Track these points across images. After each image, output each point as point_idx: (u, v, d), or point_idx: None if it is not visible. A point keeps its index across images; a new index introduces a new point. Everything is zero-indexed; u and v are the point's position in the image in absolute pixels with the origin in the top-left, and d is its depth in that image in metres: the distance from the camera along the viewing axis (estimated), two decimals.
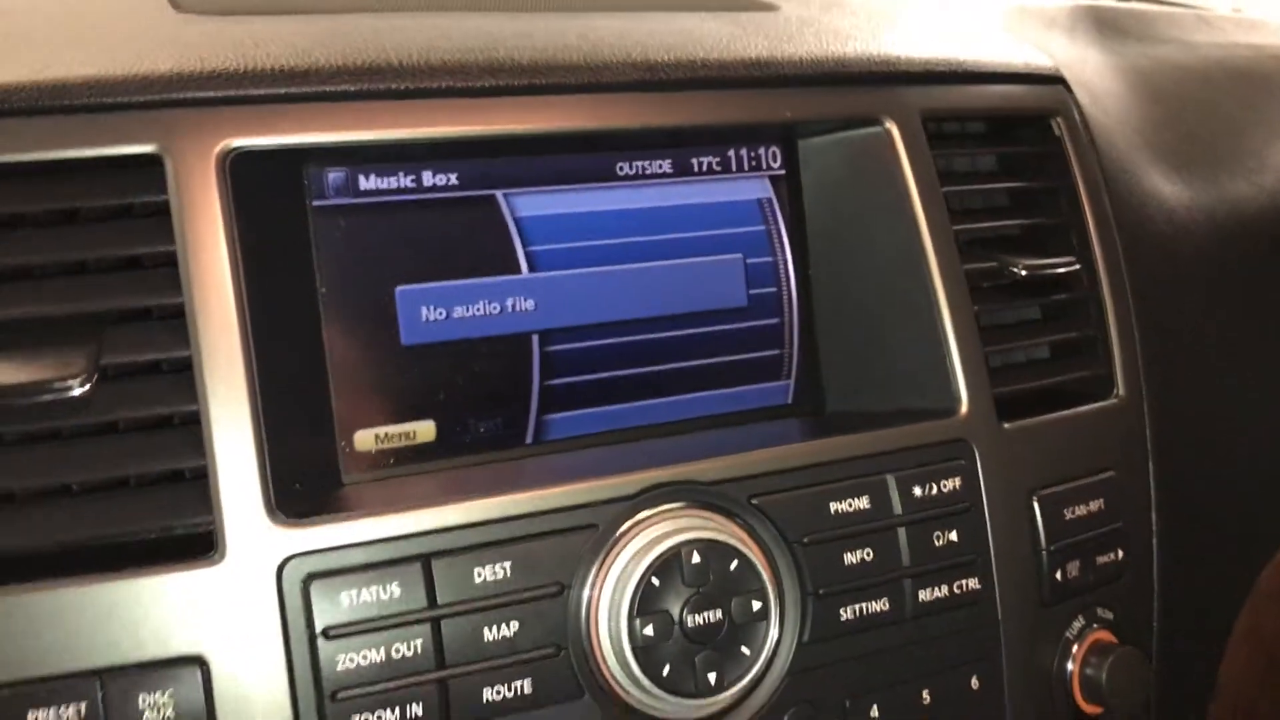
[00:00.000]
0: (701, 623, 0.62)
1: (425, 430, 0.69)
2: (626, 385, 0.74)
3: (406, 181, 0.68)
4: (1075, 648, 0.75)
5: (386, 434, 0.68)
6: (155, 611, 0.55)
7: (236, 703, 0.56)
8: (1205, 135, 1.05)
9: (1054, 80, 0.85)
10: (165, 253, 0.59)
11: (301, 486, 0.61)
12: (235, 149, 0.60)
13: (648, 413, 0.74)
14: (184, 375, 0.58)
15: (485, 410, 0.70)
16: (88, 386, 0.56)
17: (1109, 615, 0.77)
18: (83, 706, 0.54)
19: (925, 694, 0.70)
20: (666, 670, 0.61)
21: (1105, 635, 0.76)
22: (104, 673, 0.55)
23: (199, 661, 0.56)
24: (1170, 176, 0.95)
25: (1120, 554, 0.78)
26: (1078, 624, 0.76)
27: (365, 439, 0.67)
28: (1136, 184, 0.90)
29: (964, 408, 0.73)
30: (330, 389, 0.66)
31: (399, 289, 0.68)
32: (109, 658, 0.55)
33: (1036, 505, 0.74)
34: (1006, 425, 0.74)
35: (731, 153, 0.76)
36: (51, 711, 0.54)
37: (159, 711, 0.55)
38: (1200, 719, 0.92)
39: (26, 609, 0.54)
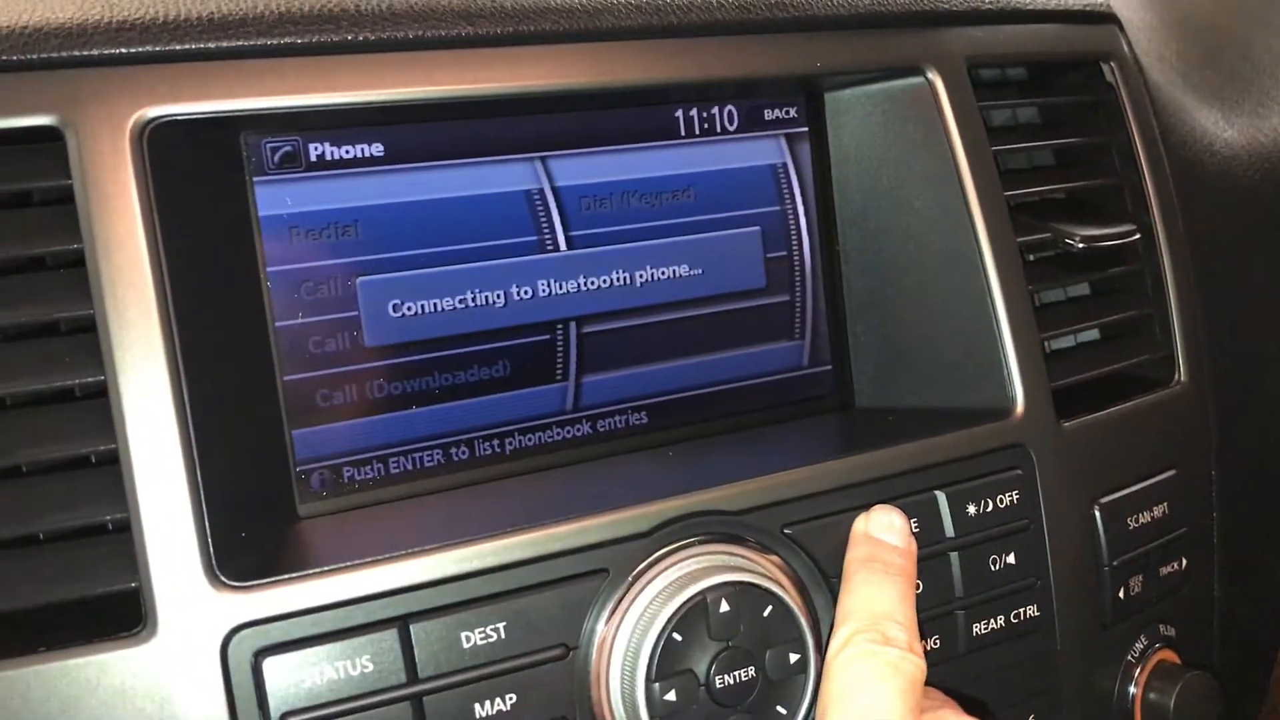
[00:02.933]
0: (732, 683, 0.52)
1: (397, 448, 0.58)
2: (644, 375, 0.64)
3: (372, 150, 0.57)
4: (1138, 671, 0.67)
5: (351, 454, 0.57)
6: (73, 701, 0.45)
7: None
8: (1248, 73, 0.94)
9: (1106, 19, 0.74)
10: (71, 251, 0.48)
11: (247, 534, 0.50)
12: (154, 119, 0.48)
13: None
14: (98, 403, 0.47)
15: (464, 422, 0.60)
16: None
17: (1170, 632, 0.69)
18: None
19: None
20: None
21: (1169, 655, 0.68)
22: None
23: None
24: (1219, 123, 0.85)
25: (1184, 563, 0.69)
26: (1139, 645, 0.67)
27: (325, 461, 0.56)
28: (1189, 133, 0.80)
29: (1019, 406, 0.63)
30: (281, 404, 0.55)
31: (361, 280, 0.57)
32: None
33: (1098, 515, 0.64)
34: (1065, 424, 0.64)
35: (735, 109, 0.65)
36: None
37: None
38: None
39: None
